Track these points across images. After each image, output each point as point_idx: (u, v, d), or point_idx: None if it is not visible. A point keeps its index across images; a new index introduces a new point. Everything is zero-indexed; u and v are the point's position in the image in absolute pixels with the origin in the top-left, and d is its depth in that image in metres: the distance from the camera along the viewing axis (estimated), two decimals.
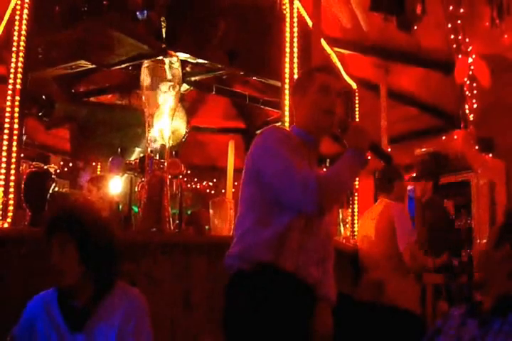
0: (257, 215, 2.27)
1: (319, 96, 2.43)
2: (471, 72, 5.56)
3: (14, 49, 4.16)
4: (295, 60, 4.91)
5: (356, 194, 6.30)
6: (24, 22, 4.19)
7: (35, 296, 2.32)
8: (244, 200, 2.36)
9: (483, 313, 1.90)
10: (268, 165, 2.26)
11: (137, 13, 4.52)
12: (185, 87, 5.70)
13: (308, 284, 2.28)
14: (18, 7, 4.22)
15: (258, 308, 2.16)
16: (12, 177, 3.96)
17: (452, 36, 5.52)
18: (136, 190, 4.96)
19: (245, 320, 2.18)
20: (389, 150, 6.77)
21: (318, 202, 2.14)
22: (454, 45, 5.59)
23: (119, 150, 5.39)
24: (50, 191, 4.25)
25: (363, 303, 3.85)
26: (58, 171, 6.55)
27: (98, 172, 7.35)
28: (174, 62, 4.67)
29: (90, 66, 5.18)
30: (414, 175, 6.78)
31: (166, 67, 4.57)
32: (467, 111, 6.06)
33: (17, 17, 4.21)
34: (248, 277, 2.22)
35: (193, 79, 5.91)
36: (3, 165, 3.97)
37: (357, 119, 6.52)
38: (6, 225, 3.82)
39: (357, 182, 6.36)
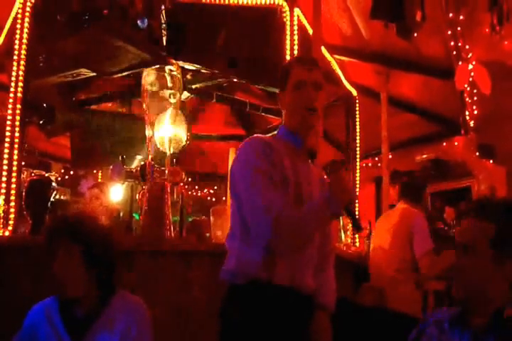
0: (244, 232, 2.21)
1: (296, 93, 2.34)
2: (471, 79, 5.56)
3: (15, 57, 4.19)
4: None
5: (357, 201, 6.30)
6: (25, 30, 4.22)
7: (36, 304, 2.31)
8: (232, 215, 2.33)
9: (476, 328, 1.81)
10: (240, 182, 2.21)
11: (138, 22, 4.54)
12: (185, 94, 5.71)
13: (304, 295, 2.24)
14: (20, 16, 4.25)
15: (252, 324, 2.13)
16: (13, 185, 3.98)
17: (452, 43, 5.52)
18: (137, 197, 4.97)
19: (239, 334, 2.16)
20: (390, 157, 6.77)
21: (272, 235, 2.06)
22: (454, 52, 5.60)
23: (120, 157, 5.39)
24: (51, 199, 4.26)
25: (364, 309, 3.83)
26: (59, 179, 6.57)
27: (99, 180, 7.36)
28: (175, 69, 4.68)
29: (91, 74, 5.20)
30: None
31: (167, 74, 4.58)
32: (468, 118, 6.07)
33: (18, 26, 4.24)
34: (242, 293, 2.19)
35: (193, 86, 5.92)
36: (5, 173, 3.98)
37: (357, 127, 6.53)
38: (7, 233, 3.83)
39: (357, 189, 6.36)
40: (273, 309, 2.14)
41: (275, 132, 2.48)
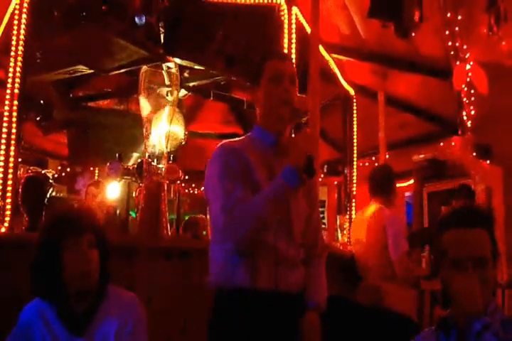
0: (223, 240, 2.21)
1: (272, 86, 2.27)
2: (468, 79, 5.57)
3: (12, 53, 4.17)
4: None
5: (354, 200, 6.30)
6: (23, 27, 4.20)
7: (29, 303, 2.29)
8: (210, 221, 2.34)
9: (459, 328, 1.85)
10: (210, 192, 2.22)
11: (136, 19, 4.53)
12: (183, 92, 5.71)
13: (291, 295, 2.22)
14: (17, 12, 4.24)
15: (240, 332, 2.14)
16: (9, 182, 3.97)
17: (450, 43, 5.53)
18: (134, 195, 4.96)
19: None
20: (387, 156, 6.78)
21: (228, 221, 2.10)
22: (452, 52, 5.60)
23: (117, 155, 5.38)
24: (48, 196, 4.25)
25: (359, 308, 3.83)
26: (56, 176, 6.56)
27: (96, 177, 7.35)
28: (172, 67, 4.68)
29: (88, 71, 5.20)
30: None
31: (164, 72, 4.58)
32: (465, 118, 6.07)
33: (15, 21, 4.22)
34: (228, 301, 2.19)
35: (191, 84, 5.92)
36: (1, 169, 3.97)
37: (355, 126, 6.53)
38: (3, 230, 3.82)
39: (354, 188, 6.37)
40: (262, 315, 2.14)
41: (249, 133, 2.42)
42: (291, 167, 2.07)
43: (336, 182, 8.75)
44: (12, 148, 4.03)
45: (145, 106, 4.49)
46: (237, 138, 2.42)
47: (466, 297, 1.79)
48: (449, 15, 5.25)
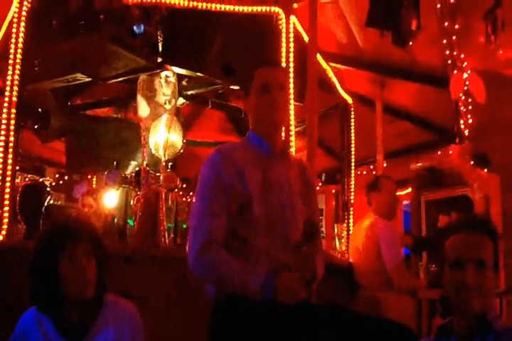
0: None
1: (261, 96, 2.33)
2: (466, 88, 5.58)
3: (11, 61, 4.17)
4: (291, 74, 4.93)
5: (352, 209, 6.30)
6: (21, 35, 4.21)
7: (27, 311, 2.29)
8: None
9: (459, 334, 1.86)
10: (195, 196, 2.34)
11: (134, 27, 4.54)
12: (181, 100, 5.72)
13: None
14: (15, 20, 4.25)
15: (238, 336, 2.14)
16: (7, 190, 3.96)
17: (447, 52, 5.54)
18: (132, 203, 4.96)
19: None
20: (384, 165, 6.78)
21: (191, 261, 2.19)
22: (449, 61, 5.61)
23: (115, 163, 5.38)
24: (46, 204, 4.24)
25: (355, 316, 3.80)
26: (54, 184, 6.55)
27: (94, 186, 7.34)
28: (170, 75, 4.69)
29: (87, 79, 5.20)
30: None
31: (162, 80, 4.59)
32: (462, 127, 6.08)
33: (14, 30, 4.23)
34: (227, 307, 2.19)
35: (189, 93, 5.92)
36: None
37: (352, 134, 6.54)
38: (0, 238, 3.81)
39: (352, 197, 6.37)
40: (262, 322, 2.12)
41: (245, 137, 2.46)
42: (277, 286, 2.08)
43: (333, 191, 8.74)
44: (10, 156, 4.03)
45: (143, 114, 4.50)
46: (234, 142, 2.49)
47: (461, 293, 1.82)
48: (446, 24, 5.27)
